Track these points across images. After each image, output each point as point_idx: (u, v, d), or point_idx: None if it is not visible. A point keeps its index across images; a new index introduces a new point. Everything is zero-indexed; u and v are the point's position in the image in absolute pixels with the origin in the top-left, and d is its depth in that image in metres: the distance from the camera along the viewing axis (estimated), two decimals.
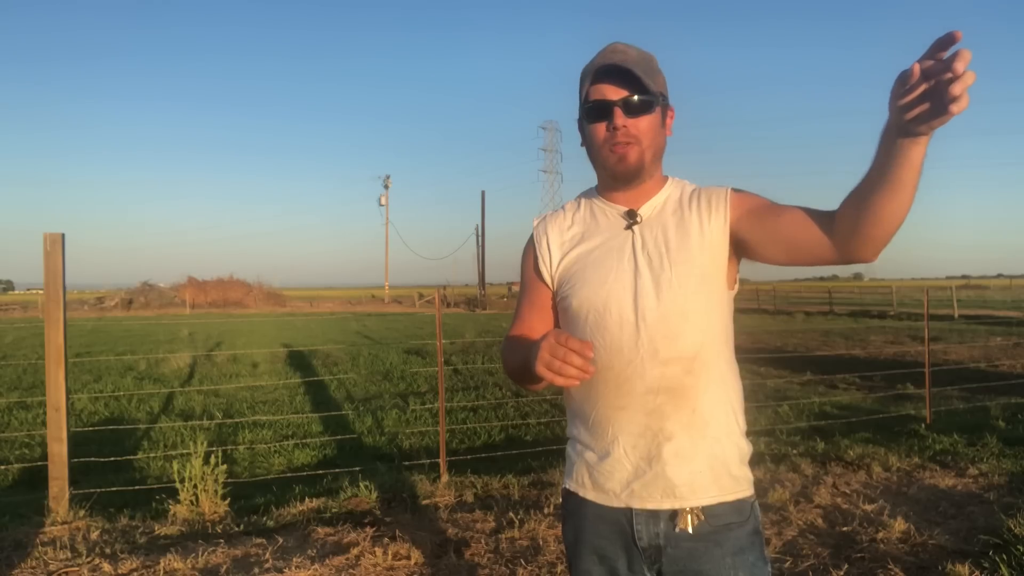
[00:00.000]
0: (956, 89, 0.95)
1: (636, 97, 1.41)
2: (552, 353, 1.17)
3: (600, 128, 1.44)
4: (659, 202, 1.49)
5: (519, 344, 1.50)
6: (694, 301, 1.40)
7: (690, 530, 1.38)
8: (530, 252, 1.59)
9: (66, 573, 3.42)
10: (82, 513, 4.19)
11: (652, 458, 1.39)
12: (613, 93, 1.41)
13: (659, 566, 1.41)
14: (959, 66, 0.94)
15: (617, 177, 1.46)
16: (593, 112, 1.44)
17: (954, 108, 0.96)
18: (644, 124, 1.42)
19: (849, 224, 1.23)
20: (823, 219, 1.29)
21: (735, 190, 1.47)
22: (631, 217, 1.47)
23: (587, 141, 1.49)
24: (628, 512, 1.41)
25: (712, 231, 1.43)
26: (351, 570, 3.44)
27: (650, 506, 1.39)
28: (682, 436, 1.38)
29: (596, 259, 1.47)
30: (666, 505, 1.38)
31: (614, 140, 1.42)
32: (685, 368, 1.39)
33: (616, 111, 1.41)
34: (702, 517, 1.38)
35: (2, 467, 6.10)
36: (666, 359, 1.38)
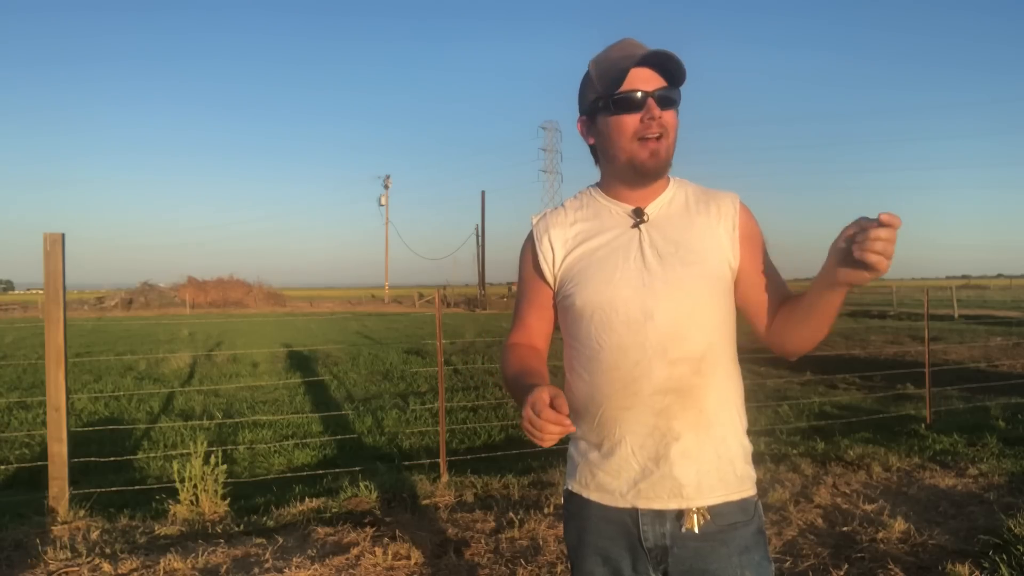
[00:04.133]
0: (874, 246, 1.15)
1: (671, 90, 1.40)
2: (531, 423, 1.22)
3: (631, 119, 1.39)
4: (665, 201, 1.47)
5: (516, 365, 1.48)
6: (703, 301, 1.40)
7: (696, 530, 1.37)
8: (529, 250, 1.55)
9: (66, 573, 3.42)
10: (82, 513, 4.19)
11: (660, 458, 1.38)
12: (648, 83, 1.38)
13: (665, 567, 1.40)
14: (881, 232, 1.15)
15: (645, 172, 1.42)
16: (625, 102, 1.39)
17: (870, 259, 1.16)
18: (672, 119, 1.41)
19: (776, 332, 1.45)
20: (773, 310, 1.46)
21: (743, 208, 1.49)
22: (638, 215, 1.45)
23: (607, 134, 1.43)
24: (634, 512, 1.40)
25: (721, 234, 1.43)
26: (351, 570, 3.44)
27: (656, 506, 1.39)
28: (689, 436, 1.38)
29: (601, 257, 1.44)
30: (673, 505, 1.38)
31: (647, 132, 1.38)
32: (693, 368, 1.38)
33: (651, 102, 1.38)
34: (708, 517, 1.38)
35: (2, 467, 6.11)
36: (675, 359, 1.37)
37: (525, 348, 1.53)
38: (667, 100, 1.39)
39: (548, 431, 1.20)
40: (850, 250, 1.18)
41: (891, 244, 1.15)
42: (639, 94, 1.38)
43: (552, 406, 1.20)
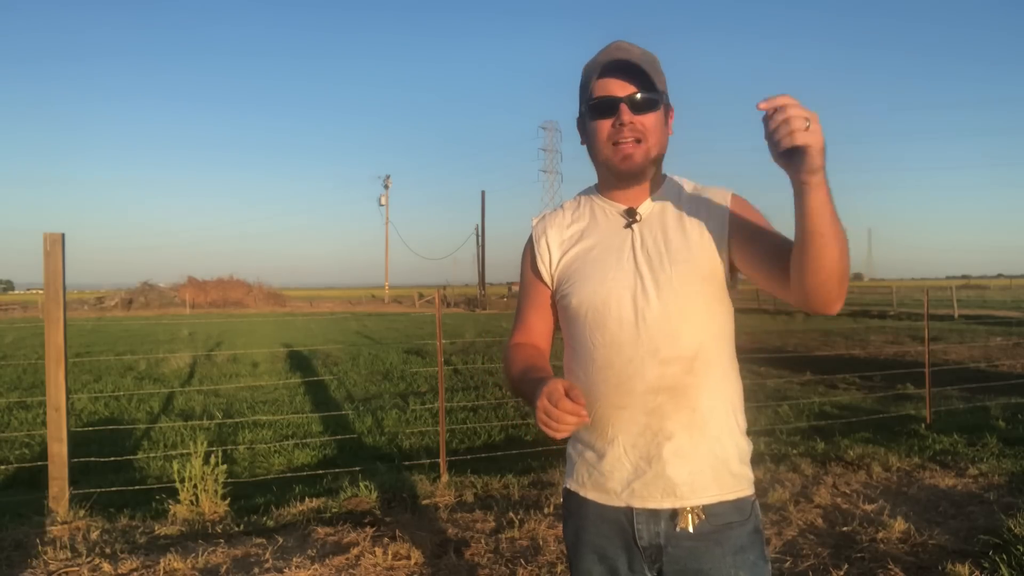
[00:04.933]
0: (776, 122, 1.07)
1: (642, 94, 1.40)
2: (547, 414, 1.21)
3: (605, 124, 1.42)
4: (658, 200, 1.48)
5: (520, 363, 1.49)
6: (694, 300, 1.40)
7: (690, 529, 1.38)
8: (529, 252, 1.59)
9: (66, 573, 3.42)
10: (82, 513, 4.19)
11: (652, 457, 1.38)
12: (619, 89, 1.40)
13: (659, 565, 1.41)
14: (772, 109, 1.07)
15: (620, 175, 1.45)
16: (598, 108, 1.42)
17: (785, 141, 1.06)
18: (649, 122, 1.41)
19: (795, 280, 1.25)
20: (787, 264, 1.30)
21: (736, 196, 1.47)
22: (630, 216, 1.47)
23: (589, 138, 1.47)
24: (628, 511, 1.41)
25: (713, 232, 1.43)
26: (351, 570, 3.44)
27: (650, 505, 1.39)
28: (682, 435, 1.38)
29: (595, 258, 1.46)
30: (666, 504, 1.38)
31: (619, 137, 1.40)
32: (685, 367, 1.38)
33: (622, 107, 1.39)
34: (702, 516, 1.38)
35: (2, 467, 6.11)
36: (666, 358, 1.38)
37: (528, 347, 1.55)
38: (640, 104, 1.40)
39: (565, 421, 1.20)
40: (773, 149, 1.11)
41: (785, 119, 1.06)
42: (610, 100, 1.40)
43: (568, 396, 1.20)
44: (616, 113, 1.40)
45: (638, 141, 1.41)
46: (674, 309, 1.39)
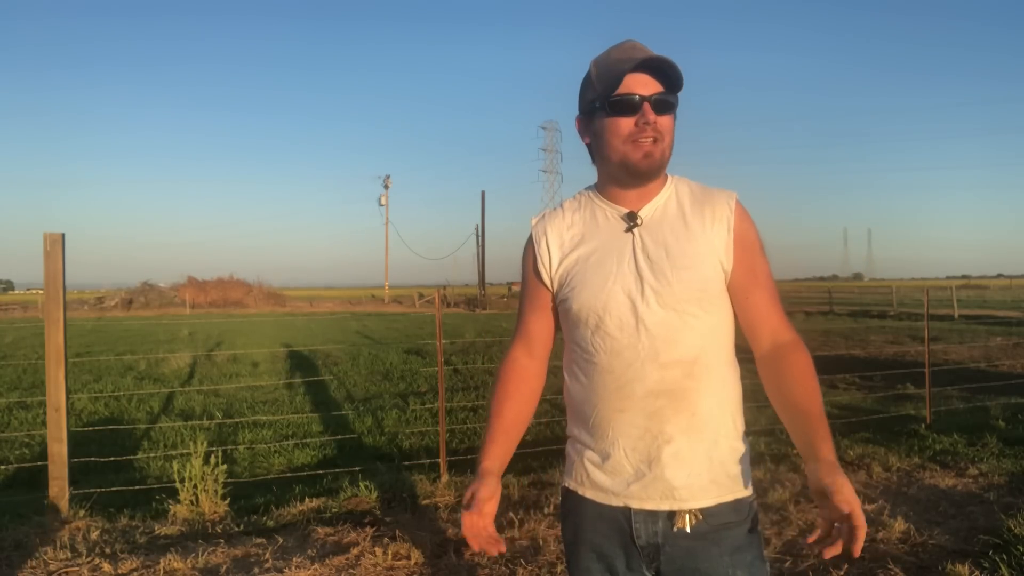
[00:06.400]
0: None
1: (668, 95, 1.40)
2: (467, 532, 1.46)
3: (627, 122, 1.39)
4: (660, 203, 1.47)
5: (496, 411, 1.60)
6: (695, 306, 1.39)
7: (688, 530, 1.38)
8: (530, 253, 1.57)
9: (66, 573, 3.42)
10: (82, 513, 4.19)
11: (652, 460, 1.39)
12: (646, 88, 1.39)
13: (657, 564, 1.41)
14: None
15: (637, 174, 1.42)
16: (621, 105, 1.39)
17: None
18: (666, 124, 1.41)
19: (763, 380, 1.46)
20: (757, 336, 1.46)
21: (739, 207, 1.47)
22: (631, 219, 1.46)
23: (602, 135, 1.43)
24: (627, 511, 1.41)
25: (714, 237, 1.43)
26: (351, 570, 3.44)
27: (649, 507, 1.39)
28: (681, 439, 1.38)
29: (596, 261, 1.45)
30: (665, 507, 1.39)
31: (641, 135, 1.39)
32: (685, 372, 1.38)
33: (646, 106, 1.38)
34: (700, 517, 1.39)
35: (2, 467, 6.11)
36: (666, 363, 1.38)
37: (513, 386, 1.59)
38: (663, 105, 1.40)
39: (475, 547, 1.46)
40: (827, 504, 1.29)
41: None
42: (636, 98, 1.38)
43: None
44: (640, 111, 1.38)
45: (655, 142, 1.40)
46: (675, 314, 1.38)
